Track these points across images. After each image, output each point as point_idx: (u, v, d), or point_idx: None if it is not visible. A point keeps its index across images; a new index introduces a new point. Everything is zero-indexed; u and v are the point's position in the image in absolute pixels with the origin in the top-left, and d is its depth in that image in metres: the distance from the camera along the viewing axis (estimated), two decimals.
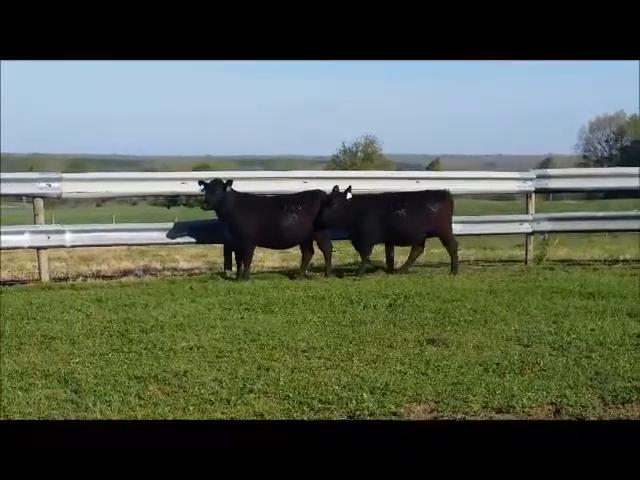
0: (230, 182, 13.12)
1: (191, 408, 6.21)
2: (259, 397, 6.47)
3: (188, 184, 14.20)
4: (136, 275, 14.23)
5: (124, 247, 17.09)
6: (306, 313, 9.75)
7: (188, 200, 56.89)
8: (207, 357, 7.73)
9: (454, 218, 14.88)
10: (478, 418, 6.01)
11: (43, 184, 13.45)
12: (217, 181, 13.13)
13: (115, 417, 5.97)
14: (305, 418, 6.02)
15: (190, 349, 8.00)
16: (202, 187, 13.11)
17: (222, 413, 6.09)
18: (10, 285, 12.86)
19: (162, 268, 15.37)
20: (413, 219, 13.72)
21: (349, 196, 13.40)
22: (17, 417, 5.98)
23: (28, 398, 6.46)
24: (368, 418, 6.01)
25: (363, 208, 13.59)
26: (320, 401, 6.33)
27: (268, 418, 6.01)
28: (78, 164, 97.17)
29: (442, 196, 14.08)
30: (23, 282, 13.30)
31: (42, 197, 13.52)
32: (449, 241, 14.10)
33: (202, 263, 15.36)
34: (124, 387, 6.74)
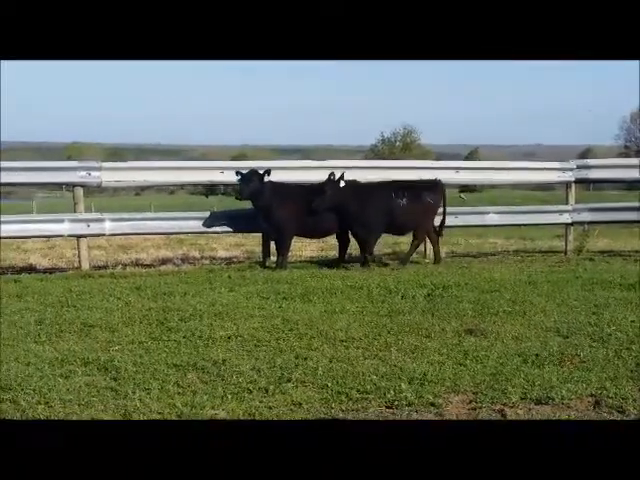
0: (268, 172, 13.13)
1: (229, 397, 6.22)
2: (297, 386, 6.48)
3: (226, 173, 14.23)
4: (174, 264, 14.31)
5: (163, 236, 17.15)
6: (344, 303, 9.74)
7: (226, 189, 57.05)
8: (245, 346, 7.75)
9: (493, 208, 14.83)
10: (517, 410, 5.98)
11: (83, 173, 13.54)
12: (253, 172, 13.14)
13: (154, 405, 6.00)
14: (343, 408, 6.02)
15: (228, 338, 8.02)
16: (239, 177, 13.12)
17: (260, 402, 6.11)
18: (50, 273, 12.97)
19: (200, 257, 15.42)
20: (413, 209, 13.63)
21: (342, 184, 13.25)
22: (58, 404, 6.03)
23: (68, 385, 6.51)
24: (406, 408, 6.00)
25: (362, 196, 13.46)
26: (358, 391, 6.33)
27: (306, 407, 6.01)
28: (117, 153, 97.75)
29: (435, 186, 14.00)
30: (63, 270, 13.41)
31: (82, 186, 13.60)
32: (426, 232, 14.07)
33: (240, 252, 15.39)
34: (163, 375, 6.77)
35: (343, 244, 13.85)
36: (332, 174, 13.33)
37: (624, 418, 5.82)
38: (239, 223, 14.13)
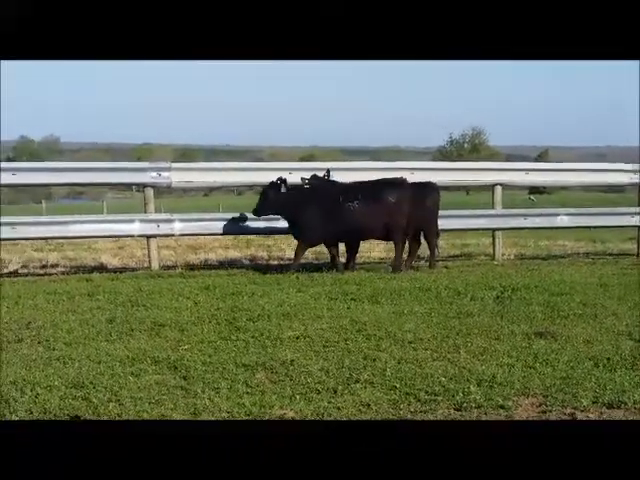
0: (328, 172, 13.15)
1: (297, 397, 6.24)
2: (365, 387, 6.47)
3: (295, 174, 14.27)
4: (243, 264, 14.38)
5: (231, 236, 17.25)
6: (412, 304, 9.71)
7: None
8: (314, 346, 7.76)
9: (563, 210, 14.67)
10: (588, 414, 5.91)
11: (154, 173, 13.69)
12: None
13: (223, 404, 6.03)
14: (411, 409, 5.99)
15: (297, 338, 8.04)
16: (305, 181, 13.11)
17: (328, 402, 6.10)
18: (121, 272, 13.11)
19: (268, 257, 15.48)
20: (369, 211, 13.12)
21: (283, 189, 12.98)
22: (129, 402, 6.10)
23: (139, 383, 6.57)
24: (475, 411, 5.96)
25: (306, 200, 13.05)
26: (427, 392, 6.30)
27: (374, 408, 6.00)
28: (186, 154, 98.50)
29: (400, 185, 13.36)
30: (133, 270, 13.56)
31: (152, 186, 13.75)
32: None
33: (308, 253, 15.37)
34: (232, 374, 6.81)
35: (413, 247, 13.77)
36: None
37: None
38: None
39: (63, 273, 13.41)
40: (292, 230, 13.30)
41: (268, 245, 18.43)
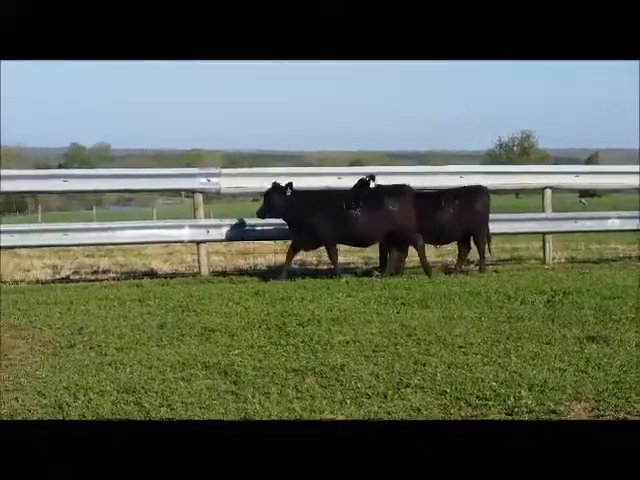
0: (373, 177, 13.13)
1: (348, 402, 6.23)
2: (416, 392, 6.45)
3: (344, 179, 14.29)
4: (292, 269, 14.40)
5: (280, 241, 17.26)
6: (462, 308, 9.68)
7: None
8: (364, 351, 7.75)
9: (614, 213, 14.53)
10: None
11: (203, 179, 13.77)
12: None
13: (274, 409, 6.04)
14: (462, 414, 5.96)
15: (347, 343, 8.04)
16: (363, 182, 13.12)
17: (379, 407, 6.09)
18: (171, 278, 13.20)
19: (318, 262, 15.48)
20: (371, 218, 13.03)
21: (289, 192, 12.97)
22: (180, 406, 6.13)
23: (190, 388, 6.61)
24: (527, 415, 5.91)
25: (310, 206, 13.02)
26: (477, 397, 6.27)
27: (425, 413, 5.98)
28: (235, 159, 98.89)
29: (399, 192, 13.25)
30: (184, 275, 13.63)
31: (202, 192, 13.82)
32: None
33: (358, 258, 15.41)
34: (282, 379, 6.82)
35: (463, 251, 13.73)
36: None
37: None
38: None
39: (114, 279, 13.53)
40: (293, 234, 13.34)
41: (318, 250, 18.42)
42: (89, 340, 8.38)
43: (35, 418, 5.96)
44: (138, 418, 5.87)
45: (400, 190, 13.18)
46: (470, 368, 7.09)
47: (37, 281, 13.44)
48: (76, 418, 5.90)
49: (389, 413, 5.97)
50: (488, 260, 13.86)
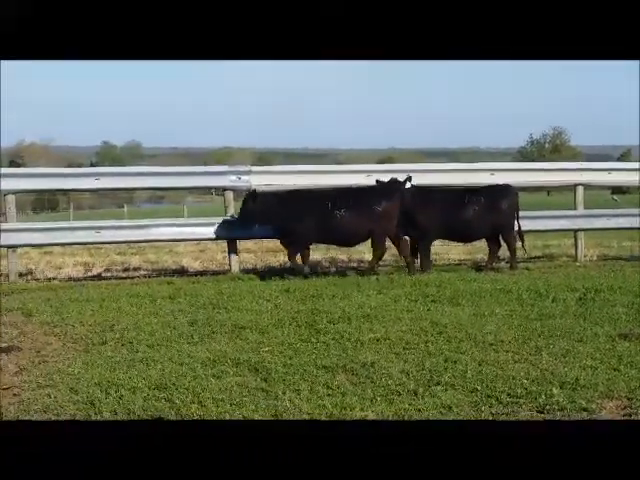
0: (409, 178, 13.07)
1: (378, 399, 6.24)
2: (446, 389, 6.45)
3: (373, 177, 14.27)
4: (323, 267, 14.41)
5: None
6: (493, 306, 9.65)
7: None
8: (394, 348, 7.75)
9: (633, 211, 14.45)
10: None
11: (233, 177, 13.79)
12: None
13: (304, 406, 6.06)
14: (493, 411, 5.96)
15: (377, 340, 8.04)
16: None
17: (409, 404, 6.10)
18: (202, 275, 13.23)
19: (348, 260, 15.48)
20: (356, 217, 12.94)
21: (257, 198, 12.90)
22: (210, 403, 6.16)
23: (220, 385, 6.64)
24: (558, 413, 5.89)
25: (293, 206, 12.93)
26: (509, 395, 6.26)
27: (456, 410, 5.98)
28: (264, 157, 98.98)
29: (390, 190, 13.16)
30: (214, 273, 13.66)
31: (232, 190, 13.85)
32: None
33: (388, 255, 15.34)
34: (312, 376, 6.84)
35: (493, 249, 13.70)
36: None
37: None
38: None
39: (145, 276, 13.58)
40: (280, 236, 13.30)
41: (348, 248, 18.41)
42: (121, 337, 8.43)
43: (68, 414, 6.02)
44: (169, 415, 5.91)
45: (387, 190, 13.17)
46: (501, 366, 7.07)
47: (69, 278, 13.52)
48: (108, 414, 5.95)
49: (419, 410, 5.97)
50: (520, 258, 13.79)
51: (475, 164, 15.63)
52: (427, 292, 10.64)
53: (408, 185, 13.10)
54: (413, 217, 13.09)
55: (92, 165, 79.28)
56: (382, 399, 6.24)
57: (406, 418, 5.84)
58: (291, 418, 5.83)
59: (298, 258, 13.04)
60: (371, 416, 5.86)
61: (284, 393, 6.40)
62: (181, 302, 10.37)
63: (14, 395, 6.60)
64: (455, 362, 7.18)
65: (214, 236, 13.78)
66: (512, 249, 13.53)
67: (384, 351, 7.67)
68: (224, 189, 13.90)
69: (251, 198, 12.95)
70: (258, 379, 6.84)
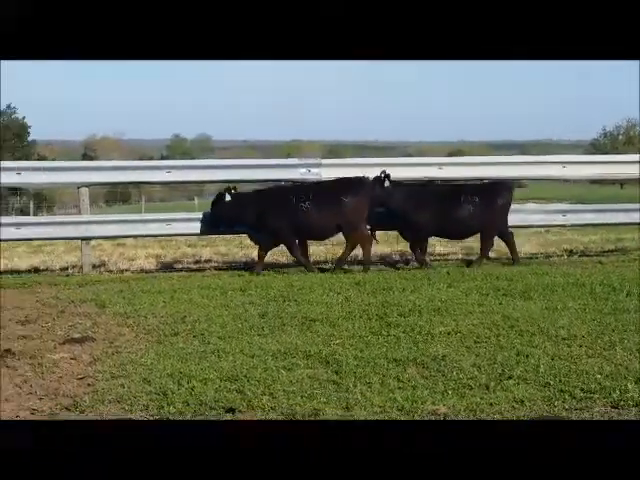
0: (385, 173, 12.95)
1: (450, 392, 6.21)
2: (518, 383, 6.39)
3: (445, 169, 14.21)
4: (393, 259, 14.39)
5: (381, 232, 17.25)
6: (566, 300, 9.54)
7: None
8: (465, 342, 7.71)
9: None
10: None
11: (303, 170, 13.82)
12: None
13: (375, 399, 6.04)
14: (566, 406, 5.89)
15: (448, 334, 8.00)
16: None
17: (481, 398, 6.05)
18: (272, 268, 13.27)
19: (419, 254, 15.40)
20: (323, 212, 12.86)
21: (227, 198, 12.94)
22: (281, 395, 6.18)
23: (291, 377, 6.65)
24: (633, 409, 5.81)
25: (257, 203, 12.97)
26: (582, 390, 6.18)
27: (528, 405, 5.92)
28: (334, 150, 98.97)
29: (358, 184, 13.01)
30: (285, 265, 13.69)
31: (302, 182, 13.86)
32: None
33: (459, 248, 15.29)
34: (383, 369, 6.82)
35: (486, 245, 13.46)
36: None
37: None
38: None
39: (216, 268, 13.67)
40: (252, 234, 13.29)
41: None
42: (192, 329, 8.50)
43: (141, 404, 6.08)
44: (241, 406, 5.93)
45: (354, 183, 13.04)
46: (574, 360, 6.99)
47: (141, 270, 13.66)
48: (180, 405, 5.99)
49: (491, 405, 5.92)
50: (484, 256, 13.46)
51: (546, 156, 15.47)
52: (498, 285, 10.57)
53: (387, 184, 12.93)
54: (401, 215, 13.06)
55: (163, 158, 79.96)
56: (453, 393, 6.21)
57: (478, 412, 5.80)
58: (363, 412, 5.81)
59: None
60: (442, 410, 5.83)
61: (355, 386, 6.39)
62: (252, 294, 10.42)
63: (88, 385, 6.69)
64: (527, 356, 7.11)
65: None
66: (488, 247, 13.32)
67: (455, 344, 7.63)
68: (294, 182, 13.92)
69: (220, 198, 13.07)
70: (329, 371, 6.85)
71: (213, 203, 13.38)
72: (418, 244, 13.20)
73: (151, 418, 5.84)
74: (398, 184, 13.17)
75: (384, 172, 13.02)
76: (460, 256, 14.62)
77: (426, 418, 5.70)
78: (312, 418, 5.73)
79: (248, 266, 13.36)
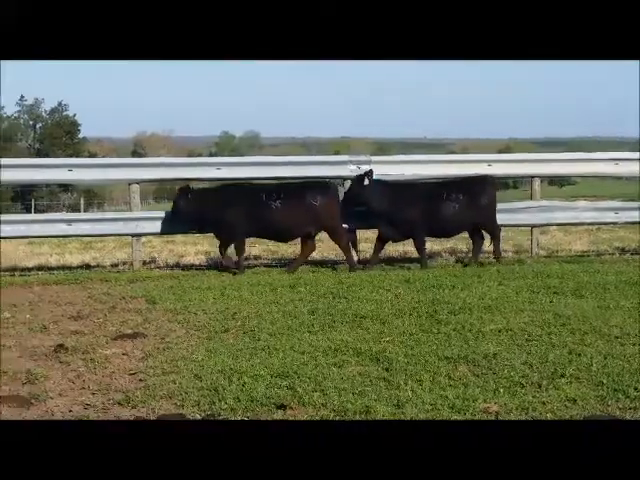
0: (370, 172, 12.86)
1: (501, 390, 6.17)
2: (571, 382, 6.34)
3: (494, 166, 14.13)
4: (442, 257, 14.35)
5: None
6: (619, 298, 9.44)
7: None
8: (516, 340, 7.66)
9: None
10: None
11: (353, 167, 13.80)
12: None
13: (426, 396, 6.02)
14: (620, 406, 5.83)
15: (499, 332, 7.96)
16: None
17: (533, 397, 6.01)
18: (321, 265, 13.28)
19: (468, 250, 15.35)
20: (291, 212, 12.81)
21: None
22: (332, 392, 6.17)
23: (342, 374, 6.65)
24: None
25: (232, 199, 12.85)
26: (636, 389, 6.12)
27: (581, 404, 5.87)
28: (382, 147, 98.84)
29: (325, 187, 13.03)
30: (334, 262, 13.69)
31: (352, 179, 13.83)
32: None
33: (509, 246, 15.20)
34: (434, 367, 6.80)
35: (477, 242, 13.36)
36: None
37: None
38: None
39: (265, 265, 13.70)
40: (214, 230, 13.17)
41: (465, 238, 18.27)
42: (242, 325, 8.53)
43: (192, 400, 6.11)
44: (292, 403, 5.93)
45: (323, 186, 13.03)
46: (628, 359, 6.92)
47: (191, 266, 13.72)
48: (231, 401, 6.00)
49: (544, 403, 5.88)
50: (482, 252, 13.48)
51: (597, 153, 15.34)
52: (549, 284, 10.49)
53: (366, 182, 12.84)
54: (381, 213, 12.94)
55: (211, 155, 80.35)
56: (505, 391, 6.17)
57: (530, 410, 5.76)
58: (414, 409, 5.79)
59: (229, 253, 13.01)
60: (494, 408, 5.80)
61: (406, 383, 6.37)
62: (301, 291, 10.43)
63: (140, 380, 6.74)
64: (579, 355, 7.05)
65: None
66: (479, 243, 13.27)
67: (506, 342, 7.58)
68: (344, 179, 13.91)
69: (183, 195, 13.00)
70: (379, 369, 6.84)
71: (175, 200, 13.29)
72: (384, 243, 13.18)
73: (202, 414, 5.87)
74: (379, 182, 13.03)
75: (369, 171, 12.94)
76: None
77: (477, 417, 5.67)
78: (363, 415, 5.72)
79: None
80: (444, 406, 5.84)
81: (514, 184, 57.34)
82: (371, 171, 12.97)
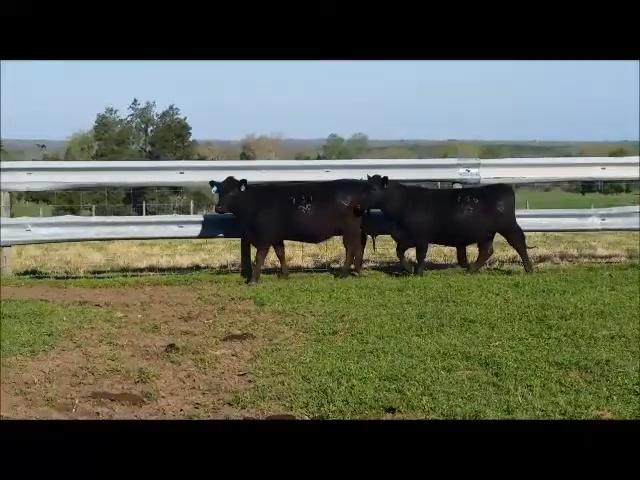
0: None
1: (615, 398, 6.05)
2: None
3: (608, 169, 13.88)
4: (552, 261, 14.15)
5: (539, 233, 16.96)
6: None
7: (604, 186, 55.37)
8: (630, 347, 7.50)
9: None
10: None
11: (462, 170, 13.73)
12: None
13: (537, 402, 5.93)
14: None
15: (612, 338, 7.80)
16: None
17: None
18: (430, 269, 13.21)
19: (579, 255, 15.13)
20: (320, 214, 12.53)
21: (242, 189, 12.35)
22: (441, 396, 6.13)
23: (451, 378, 6.60)
24: None
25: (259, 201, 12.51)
26: None
27: None
28: (492, 150, 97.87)
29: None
30: (442, 266, 13.62)
31: (461, 182, 13.76)
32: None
33: (621, 251, 14.92)
34: (544, 373, 6.70)
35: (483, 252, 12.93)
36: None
37: None
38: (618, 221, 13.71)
39: (373, 268, 13.69)
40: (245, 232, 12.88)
41: (577, 242, 18.02)
42: (350, 327, 8.53)
43: (301, 402, 6.13)
44: (401, 407, 5.91)
45: (351, 185, 12.73)
46: None
47: (298, 269, 13.78)
48: (340, 404, 6.00)
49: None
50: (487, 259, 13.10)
51: None
52: None
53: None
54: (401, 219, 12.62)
55: (319, 158, 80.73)
56: (618, 398, 6.04)
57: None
58: (524, 415, 5.71)
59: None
60: (607, 415, 5.68)
61: (516, 389, 6.29)
62: (409, 294, 10.39)
63: (249, 381, 6.80)
64: None
65: None
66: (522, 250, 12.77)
67: (619, 349, 7.43)
68: (453, 182, 13.84)
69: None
70: (489, 373, 6.77)
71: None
72: (404, 249, 12.81)
73: (310, 415, 5.89)
74: (397, 186, 12.68)
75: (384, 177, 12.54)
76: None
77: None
78: (472, 419, 5.68)
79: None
80: (555, 412, 5.75)
81: (627, 188, 56.27)
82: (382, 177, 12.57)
